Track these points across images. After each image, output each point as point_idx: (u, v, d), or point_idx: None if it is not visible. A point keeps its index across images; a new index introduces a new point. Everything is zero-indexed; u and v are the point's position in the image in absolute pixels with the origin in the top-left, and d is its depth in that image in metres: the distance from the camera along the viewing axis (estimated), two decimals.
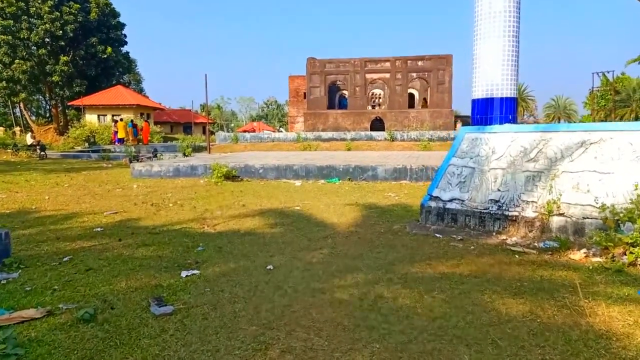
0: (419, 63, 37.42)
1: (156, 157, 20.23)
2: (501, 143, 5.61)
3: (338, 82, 39.31)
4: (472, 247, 5.05)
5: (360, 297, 3.65)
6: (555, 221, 5.00)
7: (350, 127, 36.65)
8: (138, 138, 30.53)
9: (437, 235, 5.58)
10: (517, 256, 4.69)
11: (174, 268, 4.50)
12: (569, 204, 4.95)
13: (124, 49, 48.81)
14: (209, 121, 60.89)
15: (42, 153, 22.89)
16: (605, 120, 52.84)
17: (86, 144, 32.63)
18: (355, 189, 10.53)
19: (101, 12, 43.36)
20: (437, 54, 37.06)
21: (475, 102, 5.58)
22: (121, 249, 5.26)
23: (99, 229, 6.34)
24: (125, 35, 47.88)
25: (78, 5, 41.00)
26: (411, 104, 39.46)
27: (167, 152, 27.19)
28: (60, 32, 40.12)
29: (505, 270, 4.26)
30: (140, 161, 19.93)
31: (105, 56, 43.10)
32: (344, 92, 40.92)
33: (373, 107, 40.67)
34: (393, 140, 26.03)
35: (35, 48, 41.12)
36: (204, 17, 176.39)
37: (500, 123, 5.47)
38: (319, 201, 8.81)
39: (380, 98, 42.04)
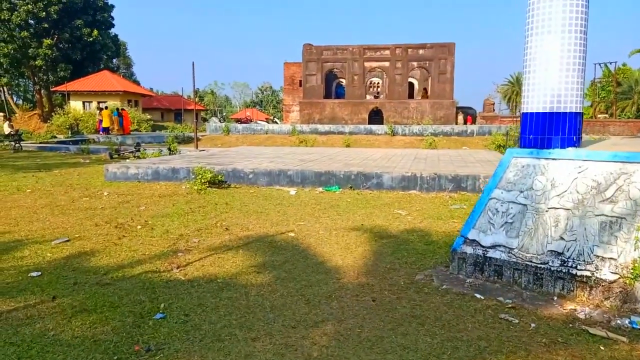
0: (420, 51, 35.78)
1: (139, 151, 18.68)
2: (564, 174, 4.20)
3: (335, 70, 37.64)
4: (533, 324, 3.67)
5: None
6: None
7: (347, 118, 35.12)
8: (122, 128, 28.85)
9: (478, 295, 4.20)
10: (602, 347, 3.31)
11: None
12: None
13: (113, 31, 46.77)
14: (199, 108, 59.08)
15: (17, 145, 21.27)
16: (607, 112, 51.63)
17: (69, 133, 30.98)
18: (358, 202, 9.12)
19: None
20: (438, 42, 35.42)
21: (528, 118, 4.17)
22: (49, 318, 3.83)
23: (35, 274, 4.90)
24: (112, 18, 45.82)
25: None
26: (410, 94, 37.91)
27: (154, 143, 25.66)
28: (44, 13, 38.11)
29: None
30: (122, 156, 18.43)
31: (91, 39, 41.15)
32: (341, 80, 39.26)
33: (376, 97, 39.05)
34: (394, 135, 24.60)
35: (17, 30, 39.02)
36: (199, 2, 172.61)
37: (562, 146, 4.04)
38: (318, 222, 7.40)
39: (378, 87, 40.45)
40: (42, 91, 44.88)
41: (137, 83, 56.59)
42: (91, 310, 3.97)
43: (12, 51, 39.36)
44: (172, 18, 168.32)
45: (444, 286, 4.42)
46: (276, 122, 50.94)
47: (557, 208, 4.19)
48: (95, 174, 13.01)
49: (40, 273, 4.94)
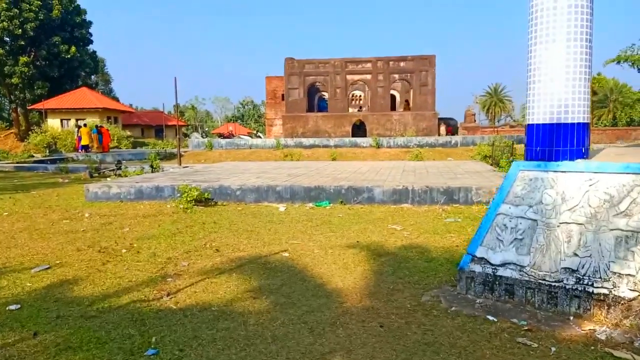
0: (401, 64, 36.00)
1: (120, 169, 18.21)
2: (574, 187, 4.04)
3: (317, 84, 37.63)
4: (553, 348, 3.46)
5: None
6: None
7: (331, 131, 35.03)
8: (102, 146, 28.25)
9: (490, 317, 3.98)
10: None
11: None
12: None
13: (91, 48, 46.16)
14: (181, 123, 58.49)
15: None
16: None
17: (47, 151, 30.24)
18: (350, 217, 8.89)
19: (64, 10, 40.75)
20: (419, 54, 35.70)
21: (534, 129, 4.01)
22: (31, 358, 3.49)
23: (13, 307, 4.54)
24: (91, 34, 45.27)
25: (39, 2, 38.32)
26: (392, 106, 38.07)
27: (135, 160, 25.14)
28: (20, 30, 37.45)
29: None
30: (103, 174, 17.94)
31: (69, 56, 40.49)
32: (323, 93, 39.26)
33: (360, 109, 39.08)
34: (379, 147, 24.52)
35: None
36: (178, 16, 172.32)
37: (571, 158, 3.88)
38: (311, 240, 7.14)
39: (361, 100, 40.54)
40: (19, 109, 43.90)
41: (117, 99, 55.86)
42: (76, 348, 3.63)
43: None
44: (151, 34, 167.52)
45: (453, 308, 4.19)
46: (259, 137, 50.61)
47: (569, 223, 4.01)
48: (75, 194, 12.55)
49: (19, 306, 4.58)
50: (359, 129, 35.24)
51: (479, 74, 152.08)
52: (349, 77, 36.19)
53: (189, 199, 9.98)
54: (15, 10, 37.19)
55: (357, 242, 6.97)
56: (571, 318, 3.89)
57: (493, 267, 4.28)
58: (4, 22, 36.81)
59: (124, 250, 6.68)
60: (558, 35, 4.14)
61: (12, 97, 42.77)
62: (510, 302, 4.19)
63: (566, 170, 4.12)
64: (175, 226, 8.32)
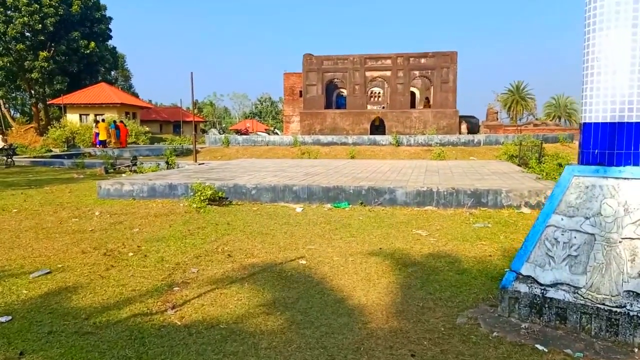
0: (422, 60, 35.21)
1: (136, 165, 17.96)
2: (639, 197, 3.46)
3: (336, 80, 37.06)
4: None
5: None
6: None
7: (349, 128, 34.47)
8: (119, 141, 28.16)
9: (539, 346, 3.43)
10: None
11: None
12: None
13: (111, 43, 46.31)
14: (198, 119, 58.49)
15: (10, 160, 20.53)
16: None
17: (65, 146, 30.29)
18: (371, 220, 8.37)
19: (84, 5, 40.85)
20: (440, 50, 34.88)
21: (591, 129, 3.44)
22: None
23: (4, 319, 4.13)
24: (110, 30, 45.38)
25: None
26: (412, 103, 37.30)
27: (152, 156, 24.96)
28: (40, 25, 37.62)
29: None
30: (118, 170, 17.70)
31: (88, 51, 40.62)
32: (342, 90, 38.70)
33: (384, 107, 38.33)
34: (399, 145, 23.88)
35: (13, 43, 38.49)
36: (199, 12, 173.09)
37: (635, 163, 3.31)
38: (330, 245, 6.64)
39: (380, 97, 39.86)
40: (39, 104, 44.27)
41: (136, 95, 56.10)
42: None
43: (7, 64, 38.90)
44: (171, 30, 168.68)
45: (495, 333, 3.65)
46: (277, 133, 50.29)
47: (634, 239, 3.44)
48: (88, 191, 12.26)
49: (10, 318, 4.17)
50: (377, 129, 34.61)
51: (499, 71, 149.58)
52: (368, 73, 35.54)
53: (202, 197, 9.57)
54: (36, 5, 37.37)
55: (380, 249, 6.45)
56: (635, 350, 3.33)
57: (542, 288, 3.72)
58: (25, 17, 37.04)
59: (130, 254, 6.27)
60: (622, 20, 3.56)
61: (32, 92, 43.14)
62: (562, 328, 3.64)
63: (630, 177, 3.54)
64: (186, 227, 7.89)
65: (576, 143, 27.58)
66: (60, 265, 5.80)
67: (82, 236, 7.37)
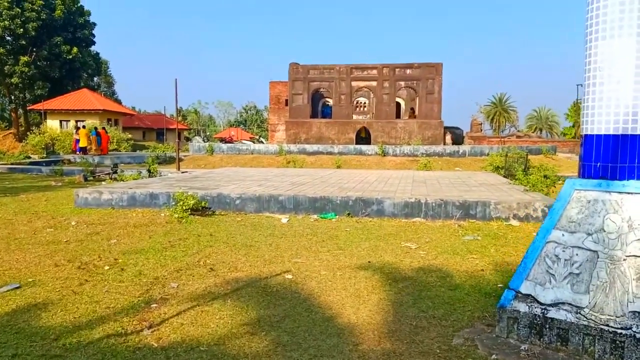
0: (408, 71, 35.36)
1: (116, 172, 17.52)
2: None
3: (322, 90, 36.99)
4: None
5: None
6: None
7: (334, 138, 34.36)
8: (100, 148, 27.61)
9: None
10: None
11: None
12: None
13: (94, 49, 45.67)
14: (182, 127, 57.91)
15: None
16: None
17: (45, 153, 29.61)
18: (359, 232, 8.15)
19: (67, 10, 40.28)
20: (426, 61, 35.06)
21: (593, 141, 3.28)
22: None
23: None
24: (94, 35, 44.78)
25: (41, 2, 37.84)
26: (397, 114, 37.38)
27: (134, 164, 24.48)
28: (21, 30, 36.97)
29: None
30: (98, 178, 17.25)
31: (70, 57, 39.98)
32: (327, 100, 38.65)
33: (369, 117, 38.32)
34: (385, 156, 23.81)
35: None
36: (183, 19, 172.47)
37: (639, 177, 3.15)
38: (317, 259, 6.39)
39: (365, 107, 39.89)
40: (19, 110, 43.35)
41: (119, 102, 55.40)
42: None
43: None
44: (156, 37, 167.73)
45: (494, 356, 3.44)
46: (262, 142, 50.00)
47: (639, 256, 3.27)
48: (65, 200, 11.84)
49: None
50: (362, 139, 34.55)
51: (483, 83, 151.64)
52: (354, 83, 35.55)
53: (184, 207, 9.25)
54: (17, 9, 36.70)
55: (369, 262, 6.23)
56: None
57: (542, 307, 3.53)
58: (6, 21, 36.32)
59: (106, 267, 5.94)
60: (626, 29, 3.42)
61: (12, 97, 42.24)
62: (564, 350, 3.44)
63: (634, 192, 3.39)
64: (167, 238, 7.58)
65: (559, 155, 27.83)
66: (31, 280, 5.46)
67: (56, 247, 7.02)
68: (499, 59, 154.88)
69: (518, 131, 67.20)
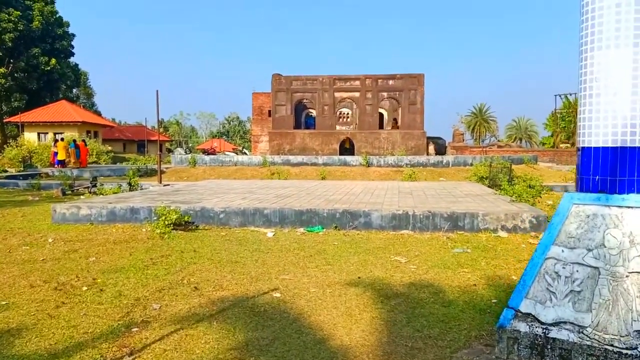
0: (390, 82, 35.58)
1: (95, 186, 17.09)
2: None
3: (305, 101, 36.94)
4: None
5: None
6: None
7: (318, 149, 34.28)
8: (79, 161, 27.04)
9: None
10: None
11: None
12: None
13: (73, 60, 45.01)
14: (164, 139, 57.29)
15: None
16: (568, 141, 52.90)
17: (22, 166, 28.88)
18: (347, 246, 7.98)
19: (45, 21, 39.61)
20: (408, 72, 35.32)
21: (591, 154, 3.19)
22: None
23: None
24: (73, 47, 44.13)
25: (18, 13, 37.15)
26: (380, 124, 37.51)
27: (114, 177, 23.99)
28: None
29: None
30: (76, 192, 16.80)
31: (48, 68, 39.28)
32: (311, 111, 38.60)
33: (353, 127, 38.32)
34: (369, 166, 23.72)
35: None
36: (166, 30, 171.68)
37: (639, 190, 3.06)
38: (305, 275, 6.20)
39: (348, 118, 39.95)
40: None
41: (98, 113, 54.55)
42: None
43: None
44: (137, 48, 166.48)
45: None
46: (245, 153, 49.66)
47: None
48: (42, 215, 11.44)
49: None
50: (346, 150, 34.54)
51: (463, 93, 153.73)
52: (337, 94, 35.62)
53: (166, 222, 8.97)
54: None
55: (359, 278, 6.06)
56: None
57: (544, 327, 3.40)
58: None
59: (84, 288, 5.66)
60: (623, 39, 3.35)
61: None
62: None
63: (634, 206, 3.30)
64: (149, 255, 7.31)
65: (540, 164, 28.13)
66: (4, 302, 5.16)
67: (32, 267, 6.70)
68: (479, 70, 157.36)
69: (499, 141, 68.12)
